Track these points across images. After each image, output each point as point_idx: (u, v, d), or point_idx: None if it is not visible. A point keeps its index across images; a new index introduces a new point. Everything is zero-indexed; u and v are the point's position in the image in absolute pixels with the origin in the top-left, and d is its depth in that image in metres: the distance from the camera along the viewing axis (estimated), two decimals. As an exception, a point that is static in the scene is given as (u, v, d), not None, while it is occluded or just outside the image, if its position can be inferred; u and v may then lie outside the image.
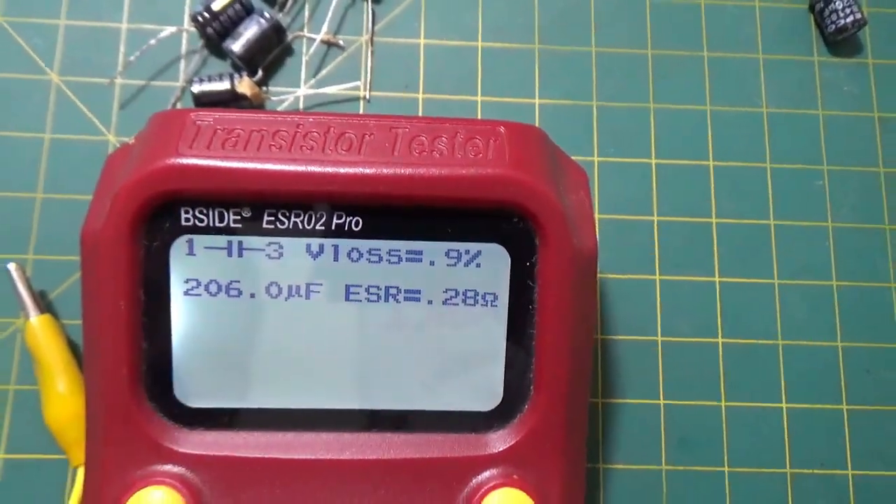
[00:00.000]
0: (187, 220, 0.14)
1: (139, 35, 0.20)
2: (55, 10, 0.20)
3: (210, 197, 0.14)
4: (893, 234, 0.20)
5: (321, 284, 0.14)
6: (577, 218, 0.15)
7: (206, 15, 0.19)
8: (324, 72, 0.20)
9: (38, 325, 0.18)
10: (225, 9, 0.19)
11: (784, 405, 0.19)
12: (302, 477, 0.14)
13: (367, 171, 0.14)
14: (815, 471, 0.19)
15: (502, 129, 0.15)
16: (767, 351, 0.19)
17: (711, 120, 0.21)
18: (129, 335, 0.14)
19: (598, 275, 0.18)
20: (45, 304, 0.18)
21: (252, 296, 0.14)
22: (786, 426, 0.19)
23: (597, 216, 0.20)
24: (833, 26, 0.20)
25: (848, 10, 0.20)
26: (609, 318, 0.19)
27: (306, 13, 0.20)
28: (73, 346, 0.18)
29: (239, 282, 0.14)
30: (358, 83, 0.20)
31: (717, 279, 0.20)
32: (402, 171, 0.14)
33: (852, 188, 0.21)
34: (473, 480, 0.14)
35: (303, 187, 0.14)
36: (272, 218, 0.14)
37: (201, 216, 0.14)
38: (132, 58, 0.19)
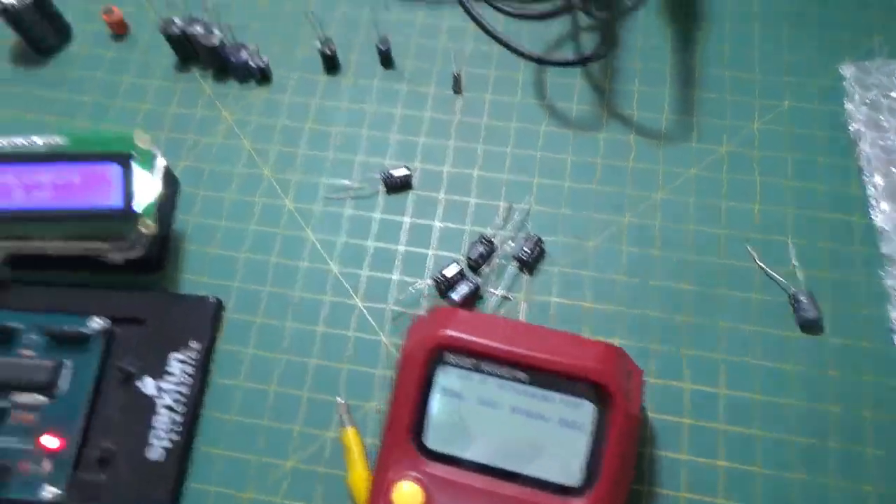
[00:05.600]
0: (448, 359, 0.30)
1: (403, 284, 0.38)
2: (360, 263, 0.38)
3: (460, 351, 0.29)
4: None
5: (501, 403, 0.30)
6: (631, 395, 0.30)
7: (441, 277, 0.37)
8: (502, 310, 0.37)
9: (350, 432, 0.34)
10: (453, 276, 0.37)
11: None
12: (473, 495, 0.29)
13: (532, 353, 0.29)
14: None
15: (601, 345, 0.30)
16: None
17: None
18: (411, 407, 0.29)
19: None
20: (353, 421, 0.35)
21: (469, 401, 0.30)
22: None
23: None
24: (800, 315, 0.35)
25: (809, 307, 0.35)
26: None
27: (492, 279, 0.38)
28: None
29: (463, 392, 0.30)
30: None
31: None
32: (549, 357, 0.29)
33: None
34: (554, 520, 0.28)
35: (501, 356, 0.29)
36: (485, 366, 0.30)
37: (454, 358, 0.30)
38: (401, 297, 0.37)
